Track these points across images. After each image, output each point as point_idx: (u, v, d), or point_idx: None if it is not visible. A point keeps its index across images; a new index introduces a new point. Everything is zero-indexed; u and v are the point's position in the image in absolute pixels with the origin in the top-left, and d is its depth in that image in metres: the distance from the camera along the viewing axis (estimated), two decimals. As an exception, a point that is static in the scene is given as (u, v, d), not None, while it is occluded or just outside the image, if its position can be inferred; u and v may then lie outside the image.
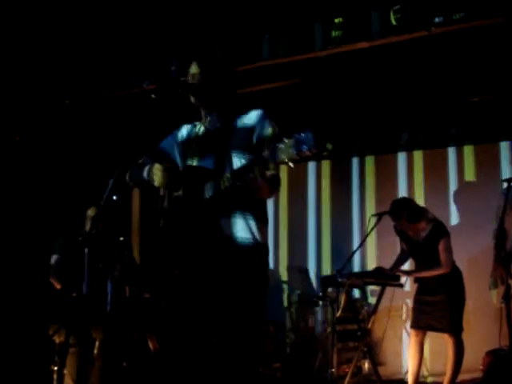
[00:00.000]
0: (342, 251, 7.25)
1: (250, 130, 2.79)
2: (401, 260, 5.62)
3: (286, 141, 2.37)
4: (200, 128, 2.98)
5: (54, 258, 5.41)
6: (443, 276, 5.09)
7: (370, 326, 5.70)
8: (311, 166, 7.83)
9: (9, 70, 6.15)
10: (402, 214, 5.26)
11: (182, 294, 2.78)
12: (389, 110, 6.57)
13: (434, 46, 5.32)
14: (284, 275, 7.57)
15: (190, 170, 2.84)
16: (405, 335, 6.45)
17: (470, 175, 6.93)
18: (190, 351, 2.73)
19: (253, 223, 2.75)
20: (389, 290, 5.48)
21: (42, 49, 6.13)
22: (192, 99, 2.90)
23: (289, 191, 7.82)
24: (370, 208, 7.32)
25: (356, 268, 7.00)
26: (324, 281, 6.36)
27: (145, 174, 2.88)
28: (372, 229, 5.66)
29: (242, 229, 2.73)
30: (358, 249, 5.96)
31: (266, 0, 5.51)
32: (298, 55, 5.63)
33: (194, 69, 2.91)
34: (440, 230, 5.21)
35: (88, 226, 5.50)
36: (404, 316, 6.49)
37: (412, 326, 5.30)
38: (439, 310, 5.07)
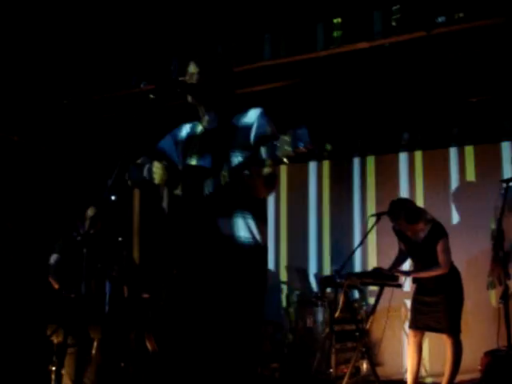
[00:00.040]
0: (342, 251, 7.23)
1: (248, 128, 2.79)
2: (399, 260, 5.62)
3: (282, 138, 2.37)
4: (199, 127, 2.98)
5: (52, 258, 5.41)
6: (441, 277, 5.10)
7: (368, 326, 5.70)
8: (312, 166, 7.82)
9: (7, 70, 6.15)
10: (400, 214, 5.26)
11: (180, 294, 2.78)
12: (389, 110, 6.57)
13: (434, 46, 5.33)
14: (283, 275, 7.57)
15: (188, 168, 2.84)
16: (403, 335, 6.45)
17: (470, 176, 6.92)
18: (188, 351, 2.73)
19: (252, 222, 2.75)
20: (387, 290, 5.47)
21: (41, 49, 6.12)
22: (190, 99, 2.90)
23: (289, 191, 7.82)
24: (371, 208, 7.31)
25: (356, 268, 6.99)
26: (323, 281, 6.37)
27: (145, 172, 2.88)
28: (371, 229, 5.66)
29: (240, 228, 2.72)
30: (356, 249, 5.96)
31: (266, 0, 5.51)
32: (299, 55, 5.64)
33: (192, 68, 2.91)
34: (438, 231, 5.21)
35: (87, 226, 5.50)
36: (402, 316, 6.49)
37: (410, 327, 5.30)
38: (437, 310, 5.07)
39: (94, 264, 5.16)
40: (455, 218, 6.84)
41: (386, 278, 5.35)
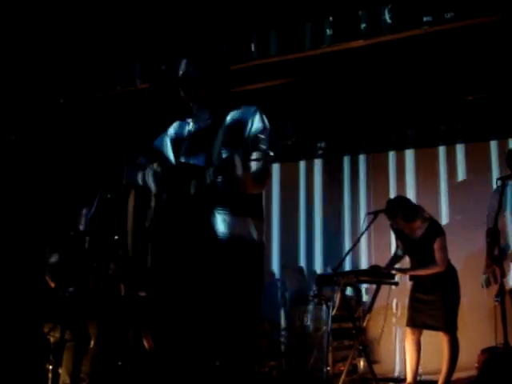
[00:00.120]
0: (333, 249, 7.26)
1: (241, 125, 2.77)
2: (396, 258, 5.63)
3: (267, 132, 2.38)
4: (191, 125, 2.98)
5: (49, 257, 5.40)
6: (438, 275, 5.11)
7: (365, 324, 5.70)
8: (303, 165, 7.83)
9: (4, 69, 6.14)
10: (397, 212, 5.27)
11: (174, 293, 2.77)
12: (381, 109, 6.58)
13: (427, 44, 5.32)
14: (280, 274, 7.57)
15: (181, 167, 2.83)
16: (400, 333, 6.46)
17: (461, 173, 6.94)
18: (183, 350, 2.72)
19: (243, 220, 2.74)
20: (384, 288, 5.48)
21: (37, 48, 6.11)
22: (183, 95, 2.90)
23: (282, 189, 7.82)
24: (362, 206, 7.33)
25: (349, 266, 7.00)
26: (319, 279, 6.36)
27: (139, 179, 2.87)
28: (368, 227, 5.67)
29: (231, 225, 2.71)
30: (353, 247, 5.96)
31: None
32: (291, 54, 5.63)
33: (184, 65, 2.91)
34: (436, 229, 5.22)
35: (83, 225, 5.49)
36: (399, 314, 6.49)
37: (408, 325, 5.31)
38: (434, 308, 5.08)
39: (90, 262, 5.16)
40: (445, 216, 6.85)
41: (382, 275, 5.36)
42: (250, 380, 2.75)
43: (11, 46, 5.96)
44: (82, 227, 5.48)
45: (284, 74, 5.96)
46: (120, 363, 5.20)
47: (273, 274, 7.57)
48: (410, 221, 5.24)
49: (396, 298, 6.40)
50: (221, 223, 2.70)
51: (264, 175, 2.67)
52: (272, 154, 2.37)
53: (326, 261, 7.26)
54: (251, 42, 5.74)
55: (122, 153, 2.93)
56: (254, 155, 2.44)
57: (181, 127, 3.02)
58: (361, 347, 5.41)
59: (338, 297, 5.34)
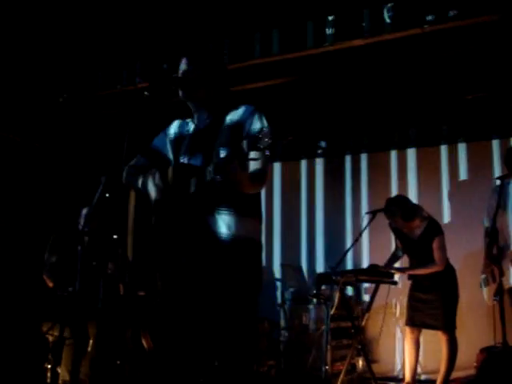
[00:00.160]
0: (335, 249, 7.25)
1: (239, 126, 2.78)
2: (395, 257, 5.63)
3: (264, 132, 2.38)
4: (190, 125, 2.98)
5: (47, 256, 5.40)
6: (436, 274, 5.11)
7: (364, 323, 5.70)
8: (304, 164, 7.82)
9: (6, 69, 6.14)
10: (396, 211, 5.28)
11: (173, 292, 2.78)
12: (382, 108, 6.58)
13: (428, 43, 5.32)
14: (278, 273, 7.57)
15: (179, 167, 2.83)
16: (399, 333, 6.45)
17: (462, 173, 6.93)
18: (182, 349, 2.73)
19: (242, 219, 2.74)
20: (383, 287, 5.47)
21: (38, 47, 6.11)
22: (181, 95, 2.89)
23: (283, 188, 7.82)
24: (364, 206, 7.33)
25: (349, 265, 7.00)
26: (319, 278, 6.36)
27: (139, 184, 2.87)
28: (366, 226, 5.66)
29: (229, 225, 2.71)
30: (351, 246, 5.95)
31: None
32: (292, 53, 5.63)
33: (184, 64, 2.91)
34: (434, 228, 5.22)
35: (82, 224, 5.49)
36: (398, 313, 6.49)
37: (407, 324, 5.32)
38: (433, 307, 5.08)
39: (89, 262, 5.16)
40: (447, 215, 6.85)
41: (381, 274, 5.35)
42: (249, 379, 2.75)
43: (12, 45, 5.96)
44: (81, 227, 5.48)
45: (285, 73, 5.96)
46: (118, 363, 5.20)
47: (273, 273, 7.56)
48: (409, 220, 5.25)
49: (395, 298, 6.39)
50: (219, 223, 2.70)
51: (262, 175, 2.67)
52: (269, 153, 2.37)
53: (328, 260, 7.25)
54: (253, 41, 5.74)
55: (122, 152, 2.93)
56: (252, 155, 2.44)
57: (181, 127, 3.03)
58: (359, 346, 5.41)
59: (336, 296, 5.34)
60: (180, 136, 2.98)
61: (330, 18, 5.42)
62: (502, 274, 4.39)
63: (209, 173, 2.58)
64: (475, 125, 6.68)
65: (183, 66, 2.90)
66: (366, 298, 6.51)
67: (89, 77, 6.52)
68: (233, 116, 2.84)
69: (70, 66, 6.48)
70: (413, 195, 6.82)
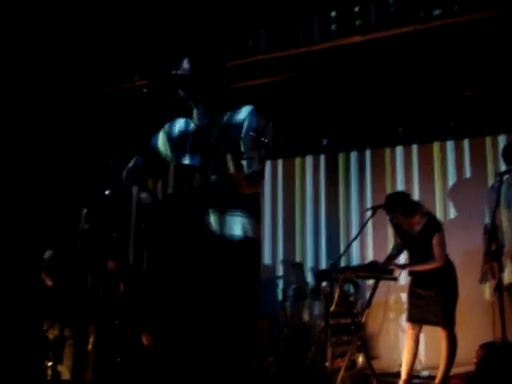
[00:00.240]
0: (338, 245, 7.25)
1: (238, 125, 2.78)
2: (395, 253, 5.63)
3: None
4: (190, 124, 2.98)
5: (47, 254, 5.40)
6: (436, 270, 5.11)
7: (364, 319, 5.70)
8: (308, 160, 7.81)
9: (1, 67, 6.13)
10: (396, 207, 5.28)
11: (171, 291, 2.78)
12: (385, 104, 6.56)
13: (429, 39, 5.32)
14: (279, 269, 7.57)
15: (178, 167, 2.82)
16: (399, 329, 6.46)
17: (466, 169, 6.93)
18: (182, 346, 2.73)
19: (239, 218, 2.74)
20: (383, 283, 5.48)
21: (35, 45, 6.11)
22: (181, 93, 2.89)
23: (285, 185, 7.81)
24: (367, 202, 7.30)
25: (352, 262, 6.99)
26: (318, 275, 6.36)
27: (133, 193, 2.88)
28: (366, 222, 5.66)
29: (227, 224, 2.72)
30: (351, 242, 5.97)
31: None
32: (293, 49, 5.63)
33: (185, 63, 2.91)
34: (434, 225, 5.22)
35: (82, 222, 5.49)
36: (398, 310, 6.49)
37: (408, 320, 5.31)
38: (432, 303, 5.08)
39: (88, 259, 5.17)
40: (451, 211, 6.84)
41: (381, 271, 5.36)
42: (248, 376, 2.76)
43: (9, 43, 5.96)
44: (81, 225, 5.49)
45: (287, 70, 5.96)
46: (119, 360, 5.21)
47: (273, 270, 7.56)
48: (409, 216, 5.25)
49: (395, 294, 6.40)
50: (216, 222, 2.71)
51: (257, 175, 2.67)
52: (265, 153, 2.37)
53: (331, 256, 7.23)
54: (252, 38, 5.74)
55: (120, 151, 2.93)
56: (247, 155, 2.44)
57: (180, 125, 3.02)
58: (360, 343, 5.41)
59: (336, 292, 5.35)
60: (180, 135, 2.98)
61: (333, 13, 5.43)
62: (501, 270, 4.40)
63: (202, 175, 2.58)
64: (475, 121, 6.67)
65: (184, 64, 2.90)
66: (366, 294, 6.51)
67: (87, 75, 6.51)
68: (232, 115, 2.84)
69: (69, 64, 6.47)
70: (416, 191, 6.82)
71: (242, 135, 2.71)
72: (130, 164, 3.04)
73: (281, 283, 7.36)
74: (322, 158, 7.72)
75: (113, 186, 2.98)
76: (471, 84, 6.03)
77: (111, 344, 5.29)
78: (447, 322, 5.06)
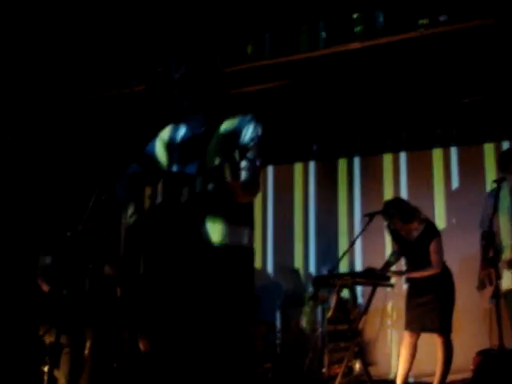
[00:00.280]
0: (329, 251, 7.25)
1: (235, 134, 2.76)
2: (392, 260, 5.63)
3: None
4: (187, 131, 2.97)
5: (43, 260, 5.39)
6: (433, 276, 5.11)
7: (361, 326, 5.70)
8: (297, 167, 7.82)
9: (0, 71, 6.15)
10: (394, 213, 5.28)
11: (166, 298, 2.78)
12: (376, 112, 6.58)
13: (423, 47, 5.34)
14: (276, 276, 7.57)
15: (171, 175, 2.82)
16: (396, 335, 6.46)
17: (456, 177, 6.95)
18: (178, 352, 2.73)
19: (234, 227, 2.74)
20: (380, 290, 5.48)
21: (32, 49, 6.11)
22: (179, 99, 2.89)
23: (277, 192, 7.81)
24: (357, 208, 7.33)
25: (350, 268, 6.99)
26: (316, 281, 6.37)
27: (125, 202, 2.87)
28: (364, 228, 5.67)
29: (221, 233, 2.71)
30: (349, 248, 5.97)
31: (255, 2, 5.51)
32: (287, 56, 5.64)
33: (183, 69, 2.91)
34: (432, 231, 5.23)
35: (79, 227, 5.48)
36: (395, 316, 6.50)
37: (406, 328, 5.26)
38: (429, 310, 5.07)
39: (85, 264, 5.16)
40: (448, 217, 6.85)
41: (378, 277, 5.36)
42: (243, 381, 2.76)
43: (5, 47, 5.96)
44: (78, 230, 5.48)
45: (278, 77, 5.96)
46: (115, 365, 5.20)
47: (270, 276, 7.57)
48: (408, 222, 5.24)
49: (392, 300, 6.40)
50: (211, 231, 2.71)
51: (253, 184, 2.66)
52: (259, 163, 2.38)
53: (321, 262, 7.26)
54: (246, 45, 5.75)
55: (117, 156, 2.93)
56: (243, 164, 2.45)
57: (174, 131, 3.01)
58: (357, 349, 5.41)
59: (333, 299, 5.34)
60: (182, 141, 2.96)
61: (323, 22, 5.44)
62: (498, 276, 4.40)
63: (198, 184, 2.58)
64: (468, 128, 6.70)
65: (183, 69, 2.89)
66: (363, 301, 6.51)
67: (85, 80, 6.51)
68: (229, 124, 2.82)
69: (66, 69, 6.47)
70: (411, 198, 6.81)
71: (240, 144, 2.70)
72: (126, 172, 3.03)
73: (278, 289, 7.36)
74: (312, 164, 7.73)
75: (110, 192, 2.98)
76: (470, 91, 6.04)
77: (108, 349, 5.28)
78: (444, 329, 5.05)
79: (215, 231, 2.71)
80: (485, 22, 4.82)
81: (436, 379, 5.10)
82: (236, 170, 2.45)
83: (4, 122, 6.54)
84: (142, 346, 5.29)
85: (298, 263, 7.54)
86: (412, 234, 5.27)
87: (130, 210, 2.79)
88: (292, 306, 6.73)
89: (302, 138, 7.11)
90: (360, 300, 6.70)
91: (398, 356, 5.47)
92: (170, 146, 2.97)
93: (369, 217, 5.58)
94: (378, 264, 5.55)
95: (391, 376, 6.24)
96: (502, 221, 4.70)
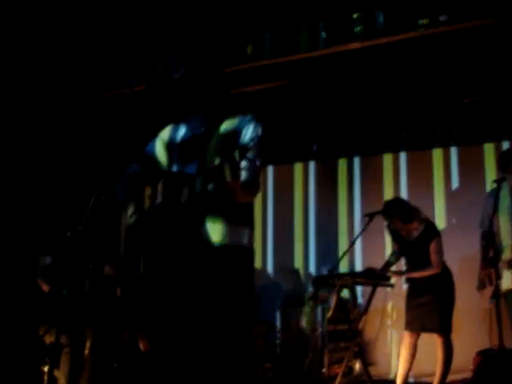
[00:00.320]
0: (328, 251, 7.25)
1: (235, 134, 2.76)
2: (392, 260, 5.63)
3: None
4: (187, 131, 2.97)
5: (43, 259, 5.39)
6: (433, 276, 5.10)
7: (361, 326, 5.69)
8: (298, 167, 7.81)
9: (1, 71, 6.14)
10: (394, 213, 5.27)
11: (166, 298, 2.78)
12: (376, 111, 6.58)
13: (423, 47, 5.34)
14: (276, 276, 7.57)
15: (171, 175, 2.82)
16: (396, 335, 6.46)
17: (456, 176, 6.94)
18: (178, 352, 2.73)
19: (234, 227, 2.74)
20: (380, 290, 5.48)
21: (32, 49, 6.11)
22: (179, 99, 2.89)
23: (276, 192, 7.81)
24: (357, 208, 7.32)
25: (350, 268, 6.99)
26: (316, 281, 6.36)
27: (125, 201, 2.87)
28: (364, 228, 5.67)
29: (221, 233, 2.71)
30: (349, 249, 5.97)
31: (255, 2, 5.51)
32: (287, 56, 5.64)
33: (184, 69, 2.90)
34: (432, 231, 5.23)
35: (78, 227, 5.48)
36: (395, 316, 6.50)
37: (406, 329, 5.26)
38: (429, 310, 5.07)
39: (85, 264, 5.16)
40: (448, 217, 6.85)
41: (378, 277, 5.36)
42: (243, 381, 2.76)
43: (6, 47, 5.96)
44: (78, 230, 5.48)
45: (278, 77, 5.96)
46: (115, 365, 5.20)
47: (270, 276, 7.57)
48: (408, 222, 5.24)
49: (392, 300, 6.40)
50: (211, 231, 2.71)
51: (253, 184, 2.66)
52: (259, 163, 2.38)
53: (321, 262, 7.26)
54: (246, 45, 5.75)
55: (118, 156, 2.93)
56: (243, 164, 2.45)
57: (174, 131, 3.01)
58: (356, 349, 5.41)
59: (333, 299, 5.34)
60: (182, 141, 2.96)
61: (324, 22, 5.44)
62: (498, 276, 4.39)
63: (198, 184, 2.58)
64: (468, 128, 6.69)
65: (183, 70, 2.89)
66: (363, 301, 6.51)
67: (85, 79, 6.51)
68: (229, 124, 2.82)
69: (66, 69, 6.47)
70: (411, 198, 6.81)
71: (240, 144, 2.70)
72: (126, 172, 3.02)
73: (278, 289, 7.36)
74: (312, 164, 7.72)
75: (110, 192, 2.98)
76: (470, 91, 6.04)
77: (108, 349, 5.28)
78: (443, 329, 5.05)
79: (215, 231, 2.71)
80: (485, 22, 4.82)
81: (436, 379, 5.10)
82: (236, 170, 2.45)
83: (4, 122, 6.54)
84: (142, 346, 5.29)
85: (298, 263, 7.54)
86: (412, 234, 5.26)
87: (130, 210, 2.79)
88: (292, 306, 6.73)
89: (302, 138, 7.11)
90: (360, 300, 6.71)
91: (398, 356, 5.47)
92: (170, 145, 2.97)
93: (369, 217, 5.58)
94: (379, 264, 5.55)
95: (391, 376, 6.24)
96: (502, 221, 4.70)
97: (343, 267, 6.88)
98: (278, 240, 7.70)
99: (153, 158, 3.00)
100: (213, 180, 2.54)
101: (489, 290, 4.63)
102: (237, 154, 2.43)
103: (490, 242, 4.55)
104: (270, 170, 7.78)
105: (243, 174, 2.53)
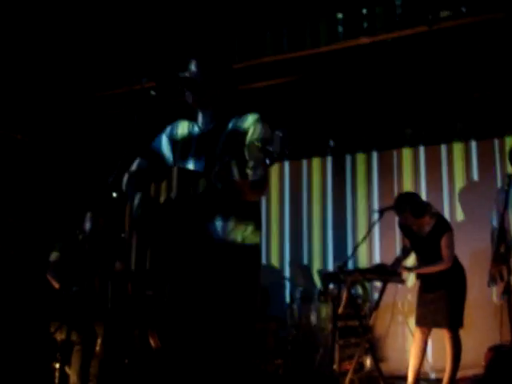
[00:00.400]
0: (345, 247, 7.24)
1: (243, 133, 2.76)
2: (402, 256, 5.61)
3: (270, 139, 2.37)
4: (195, 128, 2.96)
5: (52, 256, 5.41)
6: (444, 271, 5.08)
7: (371, 322, 5.68)
8: (316, 163, 7.79)
9: (8, 69, 6.15)
10: (405, 208, 5.25)
11: (177, 295, 2.79)
12: (392, 106, 6.55)
13: (436, 41, 5.32)
14: (286, 272, 7.57)
15: (182, 172, 2.81)
16: (407, 331, 6.44)
17: (473, 171, 6.90)
18: (187, 348, 2.74)
19: (241, 225, 2.75)
20: (391, 286, 5.47)
21: (41, 47, 6.12)
22: (188, 97, 2.89)
23: (292, 188, 7.80)
24: (374, 204, 7.28)
25: (361, 264, 6.97)
26: (326, 277, 6.36)
27: (136, 200, 2.87)
28: (374, 224, 5.66)
29: (229, 231, 2.72)
30: (359, 244, 5.96)
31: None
32: (300, 51, 5.63)
33: (192, 66, 2.90)
34: (443, 225, 5.21)
35: (87, 225, 5.49)
36: (406, 312, 6.48)
37: (417, 324, 5.26)
38: (440, 306, 5.05)
39: (96, 261, 5.18)
40: (459, 213, 6.82)
41: (389, 273, 5.34)
42: (250, 377, 2.76)
43: (15, 45, 5.98)
44: (87, 228, 5.49)
45: (294, 72, 5.95)
46: (126, 362, 5.22)
47: (280, 272, 7.56)
48: (419, 216, 5.22)
49: (403, 296, 6.38)
50: (219, 229, 2.71)
51: (261, 183, 2.65)
52: (268, 162, 2.37)
53: (338, 258, 7.22)
54: (259, 40, 5.75)
55: (126, 154, 2.93)
56: (252, 163, 2.44)
57: (184, 129, 3.00)
58: (367, 345, 5.40)
59: (344, 295, 5.34)
60: (183, 138, 2.96)
61: (340, 15, 5.43)
62: (510, 272, 4.37)
63: (206, 182, 2.58)
64: (484, 123, 6.64)
65: (192, 67, 2.89)
66: (374, 296, 6.50)
67: (95, 76, 6.53)
68: (237, 122, 2.82)
69: (77, 66, 6.48)
70: (423, 193, 6.80)
71: (247, 143, 2.69)
72: (132, 167, 3.02)
73: (288, 285, 7.36)
74: (329, 159, 7.70)
75: (120, 188, 2.98)
76: (479, 86, 6.01)
77: (119, 346, 5.30)
78: (453, 324, 5.03)
79: (223, 229, 2.72)
80: (493, 17, 4.79)
81: (446, 375, 5.09)
82: (244, 168, 2.45)
83: (14, 121, 6.56)
84: (152, 343, 5.31)
85: (316, 260, 7.51)
86: (424, 228, 5.24)
87: (137, 206, 2.79)
88: (303, 302, 6.72)
89: (319, 132, 7.08)
90: (371, 296, 6.69)
91: (409, 352, 5.46)
92: (177, 142, 2.97)
93: (379, 212, 5.57)
94: (390, 259, 5.54)
95: (402, 372, 6.23)
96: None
97: (361, 262, 6.87)
98: (293, 236, 7.68)
99: (159, 154, 3.00)
100: (220, 178, 2.54)
101: (500, 286, 4.62)
102: (246, 153, 2.43)
103: (501, 237, 4.52)
104: (287, 165, 7.76)
105: (251, 173, 2.53)
